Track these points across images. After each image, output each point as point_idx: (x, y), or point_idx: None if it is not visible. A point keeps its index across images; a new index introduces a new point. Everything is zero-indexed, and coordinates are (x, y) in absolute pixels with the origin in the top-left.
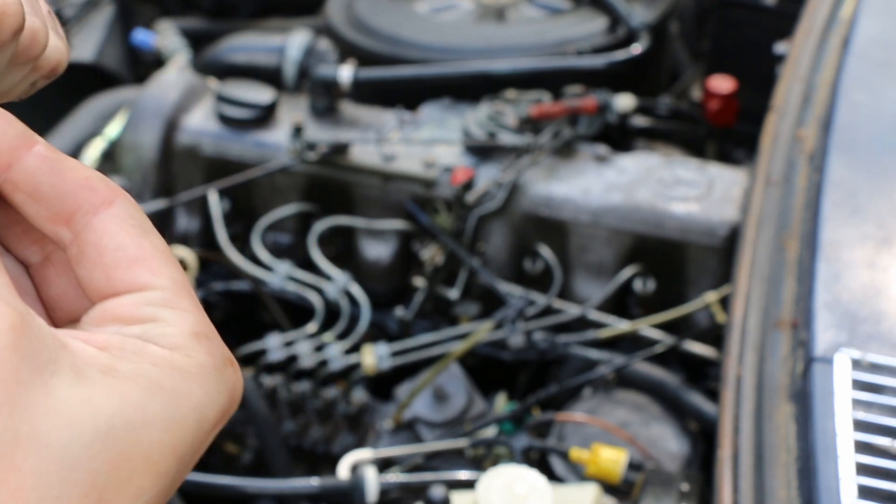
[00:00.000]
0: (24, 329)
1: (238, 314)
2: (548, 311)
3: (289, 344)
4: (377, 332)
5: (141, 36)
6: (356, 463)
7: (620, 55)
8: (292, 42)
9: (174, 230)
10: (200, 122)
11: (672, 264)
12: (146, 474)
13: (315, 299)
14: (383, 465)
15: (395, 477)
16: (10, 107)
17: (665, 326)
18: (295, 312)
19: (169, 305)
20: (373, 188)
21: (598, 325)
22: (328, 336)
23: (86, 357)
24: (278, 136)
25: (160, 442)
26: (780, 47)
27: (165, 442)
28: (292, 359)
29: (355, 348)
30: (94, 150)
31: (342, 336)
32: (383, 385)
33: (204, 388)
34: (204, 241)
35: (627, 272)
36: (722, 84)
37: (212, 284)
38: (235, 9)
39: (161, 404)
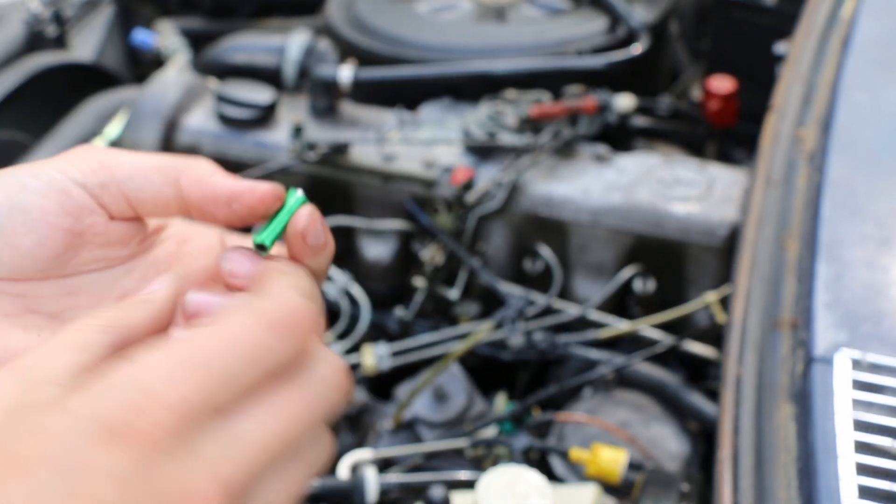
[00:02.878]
0: (13, 387)
1: None
2: (548, 311)
3: None
4: (377, 332)
5: (141, 36)
6: (356, 463)
7: (620, 55)
8: (292, 42)
9: None
10: (200, 122)
11: (672, 264)
12: (16, 477)
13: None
14: (383, 465)
15: (395, 477)
16: (7, 106)
17: (665, 326)
18: None
19: (148, 346)
20: (373, 188)
21: (598, 325)
22: (328, 336)
23: (47, 398)
24: (278, 136)
25: (33, 448)
26: (780, 47)
27: (38, 448)
28: None
29: (355, 348)
30: None
31: (342, 336)
32: (383, 385)
33: (86, 399)
34: None
35: (627, 272)
36: (722, 84)
37: None
38: (235, 9)
39: (45, 414)
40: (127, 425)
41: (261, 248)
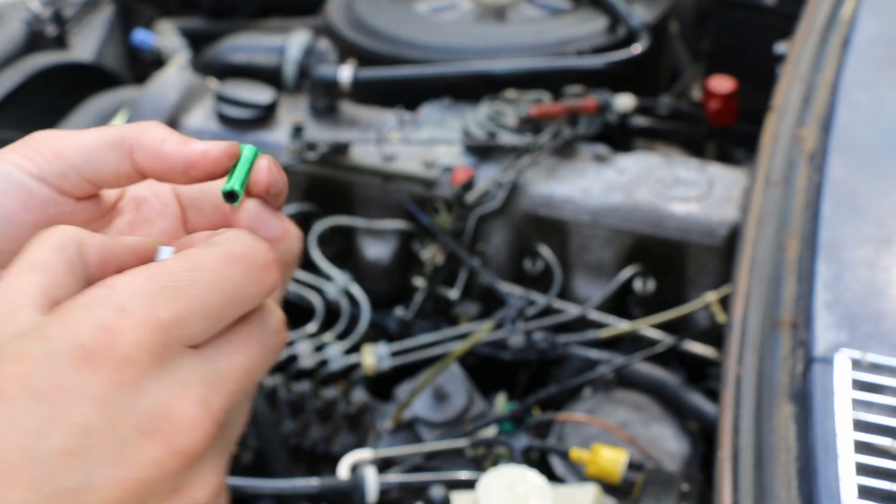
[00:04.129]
0: None
1: None
2: (548, 311)
3: (289, 344)
4: (377, 332)
5: (141, 36)
6: (356, 463)
7: (620, 55)
8: (292, 42)
9: None
10: (200, 122)
11: (672, 264)
12: None
13: (315, 299)
14: (383, 465)
15: (395, 477)
16: (7, 106)
17: (665, 326)
18: (295, 312)
19: (119, 276)
20: (373, 188)
21: (598, 325)
22: (328, 336)
23: (19, 325)
24: (278, 136)
25: (9, 373)
26: (780, 47)
27: (13, 372)
28: (292, 359)
29: (355, 348)
30: None
31: (342, 336)
32: (383, 385)
33: (61, 322)
34: None
35: (627, 272)
36: (722, 84)
37: None
38: (235, 9)
39: (19, 340)
40: (103, 346)
41: (230, 196)
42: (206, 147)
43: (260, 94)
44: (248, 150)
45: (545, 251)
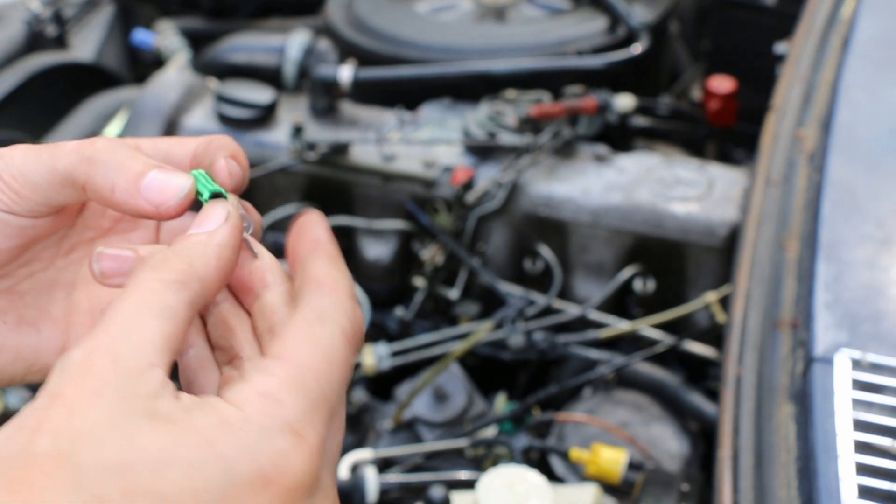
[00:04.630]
0: (114, 381)
1: None
2: (548, 311)
3: None
4: (377, 332)
5: (141, 36)
6: (356, 463)
7: (620, 55)
8: (292, 42)
9: None
10: (200, 122)
11: (672, 264)
12: None
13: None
14: (383, 465)
15: (395, 477)
16: (7, 106)
17: (665, 326)
18: None
19: (262, 369)
20: (373, 188)
21: (598, 325)
22: None
23: (163, 407)
24: (278, 136)
25: (177, 482)
26: (780, 47)
27: (183, 484)
28: None
29: None
30: None
31: None
32: (383, 385)
33: (238, 441)
34: None
35: (627, 272)
36: (722, 84)
37: None
38: (235, 9)
39: (189, 448)
40: (281, 473)
41: (219, 195)
42: (159, 200)
43: (260, 94)
44: (196, 173)
45: (545, 251)
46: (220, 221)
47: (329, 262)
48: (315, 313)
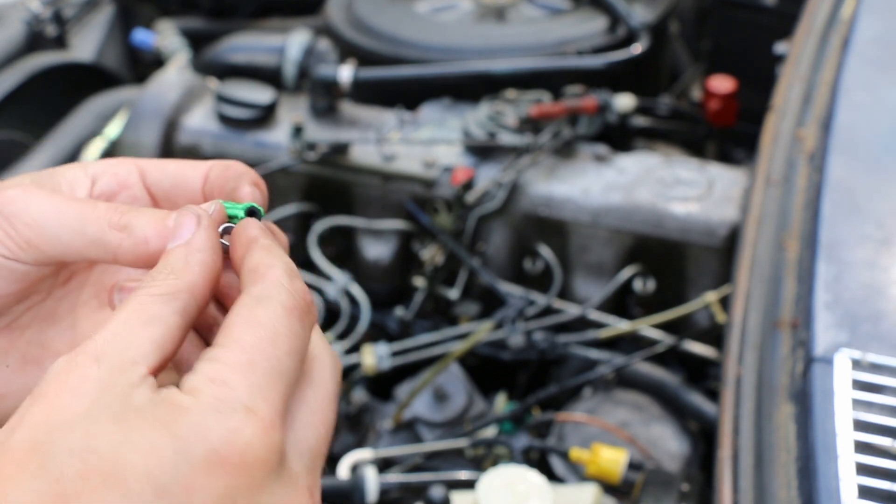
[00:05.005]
0: (94, 376)
1: None
2: (548, 311)
3: None
4: (377, 332)
5: (141, 36)
6: (356, 463)
7: (620, 55)
8: (292, 42)
9: None
10: (200, 122)
11: (672, 264)
12: (113, 489)
13: (315, 299)
14: (383, 465)
15: (395, 477)
16: (7, 106)
17: (665, 326)
18: None
19: (210, 358)
20: (373, 188)
21: (598, 325)
22: (328, 336)
23: (136, 399)
24: (278, 136)
25: (133, 464)
26: (780, 47)
27: (138, 466)
28: None
29: (355, 348)
30: (94, 149)
31: (342, 336)
32: (383, 385)
33: (191, 423)
34: None
35: (627, 272)
36: (722, 84)
37: None
38: (235, 9)
39: (145, 431)
40: (235, 451)
41: (254, 213)
42: (193, 230)
43: (260, 94)
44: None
45: (545, 251)
46: (193, 228)
47: (262, 252)
48: (253, 298)
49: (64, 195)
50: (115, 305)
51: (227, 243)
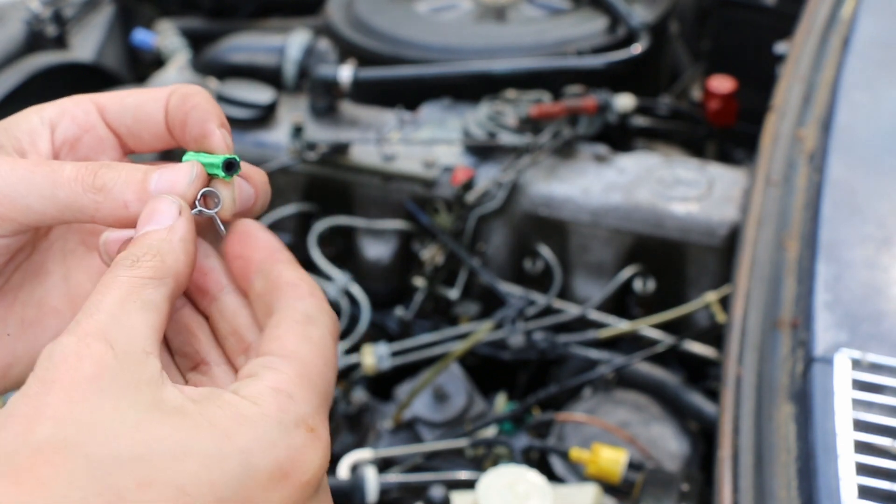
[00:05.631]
0: (113, 366)
1: None
2: (548, 311)
3: None
4: (377, 332)
5: (141, 36)
6: (356, 463)
7: (620, 55)
8: (292, 42)
9: None
10: None
11: (672, 264)
12: (173, 501)
13: None
14: (383, 465)
15: (395, 477)
16: (7, 106)
17: (665, 326)
18: None
19: (270, 367)
20: (373, 188)
21: (598, 325)
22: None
23: (170, 398)
24: (278, 136)
25: (195, 475)
26: (780, 47)
27: (202, 476)
28: None
29: (355, 348)
30: None
31: (342, 336)
32: (383, 385)
33: (256, 434)
34: None
35: (627, 272)
36: (722, 84)
37: None
38: (235, 9)
39: (206, 440)
40: (297, 468)
41: (231, 165)
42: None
43: (260, 94)
44: (192, 156)
45: (545, 251)
46: (175, 215)
47: (295, 267)
48: (302, 315)
49: (29, 161)
50: (106, 262)
51: (207, 210)
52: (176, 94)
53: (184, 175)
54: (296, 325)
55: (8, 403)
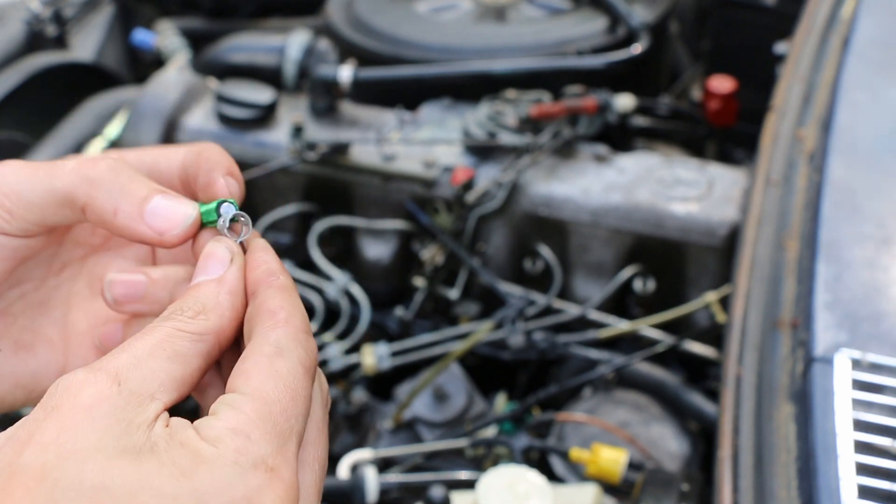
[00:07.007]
0: (113, 401)
1: None
2: (548, 311)
3: None
4: (377, 332)
5: (141, 36)
6: (356, 463)
7: (620, 55)
8: (292, 42)
9: None
10: (200, 122)
11: (672, 264)
12: None
13: (315, 299)
14: (383, 465)
15: (395, 477)
16: (7, 106)
17: (665, 326)
18: None
19: (232, 405)
20: (373, 188)
21: (598, 325)
22: (328, 336)
23: (153, 438)
24: (278, 136)
25: None
26: (780, 47)
27: None
28: None
29: (355, 348)
30: (94, 149)
31: (342, 336)
32: (383, 385)
33: (212, 476)
34: None
35: (627, 272)
36: (722, 84)
37: None
38: (235, 9)
39: (163, 478)
40: None
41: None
42: (163, 227)
43: (260, 94)
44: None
45: (545, 251)
46: (227, 264)
47: (282, 294)
48: (272, 347)
49: (38, 162)
50: (108, 301)
51: (228, 235)
52: (190, 153)
53: (180, 217)
54: (263, 359)
55: (16, 424)
